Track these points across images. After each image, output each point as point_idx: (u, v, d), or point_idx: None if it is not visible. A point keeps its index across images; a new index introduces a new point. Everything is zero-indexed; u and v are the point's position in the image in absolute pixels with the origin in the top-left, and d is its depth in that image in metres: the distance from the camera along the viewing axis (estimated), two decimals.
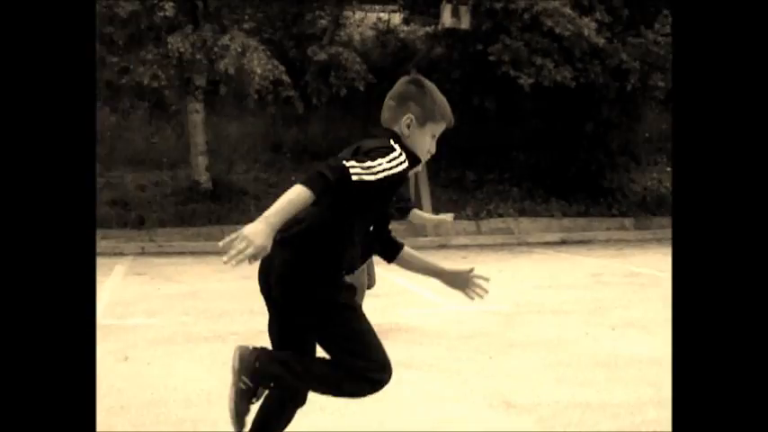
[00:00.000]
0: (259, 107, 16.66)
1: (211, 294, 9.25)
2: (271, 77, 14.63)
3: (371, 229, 3.67)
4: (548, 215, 17.16)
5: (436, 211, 16.15)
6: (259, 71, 14.22)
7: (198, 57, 14.37)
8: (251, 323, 7.55)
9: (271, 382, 3.51)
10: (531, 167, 18.27)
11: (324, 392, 3.57)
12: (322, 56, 15.90)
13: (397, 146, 3.37)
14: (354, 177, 3.11)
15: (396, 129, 3.53)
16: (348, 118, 18.62)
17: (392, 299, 8.86)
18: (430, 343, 6.81)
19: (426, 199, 16.30)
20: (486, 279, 3.91)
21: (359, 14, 21.47)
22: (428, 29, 18.67)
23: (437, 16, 16.58)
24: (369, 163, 3.19)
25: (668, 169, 20.57)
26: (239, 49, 14.28)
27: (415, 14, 19.04)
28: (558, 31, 14.68)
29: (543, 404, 5.18)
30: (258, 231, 2.95)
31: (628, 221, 18.00)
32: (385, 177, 3.21)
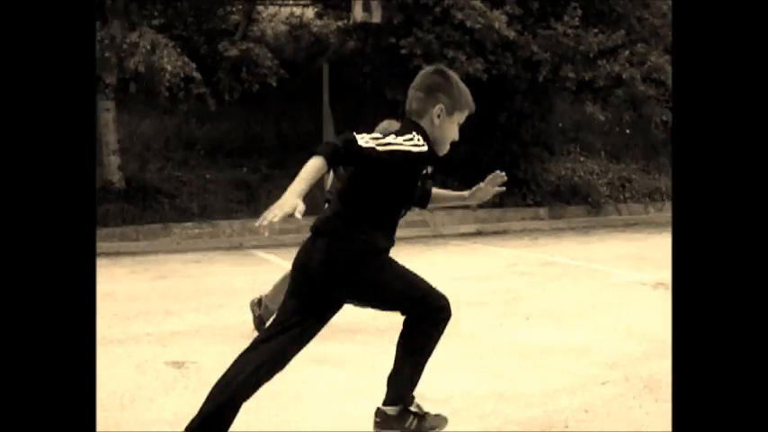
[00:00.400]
0: (171, 104, 16.46)
1: (125, 296, 9.12)
2: (182, 74, 14.43)
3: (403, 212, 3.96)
4: (462, 207, 17.25)
5: None
6: (169, 68, 14.01)
7: (107, 55, 14.12)
8: (165, 324, 7.47)
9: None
10: (444, 160, 18.27)
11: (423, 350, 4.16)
12: (233, 52, 15.74)
13: (414, 132, 3.64)
14: (362, 144, 3.35)
15: (425, 119, 3.78)
16: (261, 114, 18.50)
17: None
18: (344, 339, 6.80)
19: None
20: (501, 173, 4.34)
21: (272, 9, 21.32)
22: (341, 23, 18.64)
23: (350, 10, 16.55)
24: (380, 138, 3.45)
25: (581, 159, 20.86)
26: (149, 47, 14.07)
27: (328, 9, 18.99)
28: (468, 24, 14.75)
29: (457, 396, 5.21)
30: (285, 198, 3.25)
31: (542, 211, 18.21)
32: (396, 152, 3.46)
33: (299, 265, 3.87)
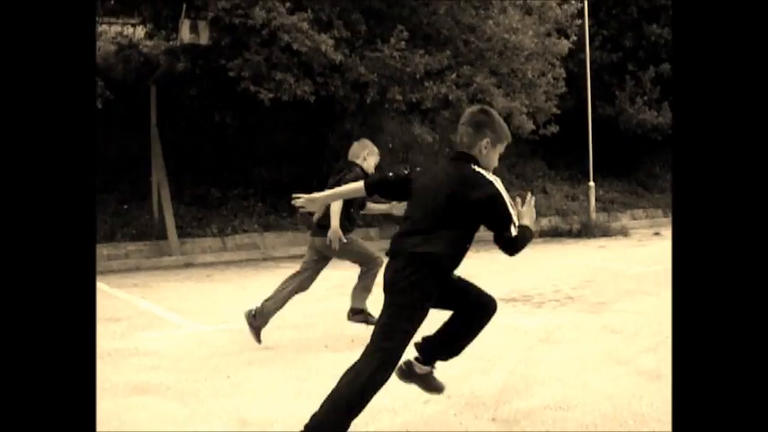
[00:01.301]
0: None
1: None
2: None
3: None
4: (293, 228, 17.22)
5: (180, 229, 15.92)
6: None
7: None
8: None
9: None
10: (274, 182, 18.25)
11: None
12: None
13: (482, 170, 4.41)
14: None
15: (474, 150, 4.48)
16: None
17: (133, 322, 8.64)
18: (168, 366, 6.67)
19: (170, 218, 15.97)
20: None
21: (100, 28, 20.78)
22: (170, 44, 18.37)
23: (179, 31, 16.32)
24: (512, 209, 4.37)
25: None
26: None
27: (158, 29, 18.68)
28: (295, 46, 14.76)
29: (279, 419, 5.18)
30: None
31: (373, 231, 18.34)
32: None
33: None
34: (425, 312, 4.51)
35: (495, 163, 4.58)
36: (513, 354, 6.78)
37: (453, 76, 16.69)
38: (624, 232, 19.88)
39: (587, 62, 20.84)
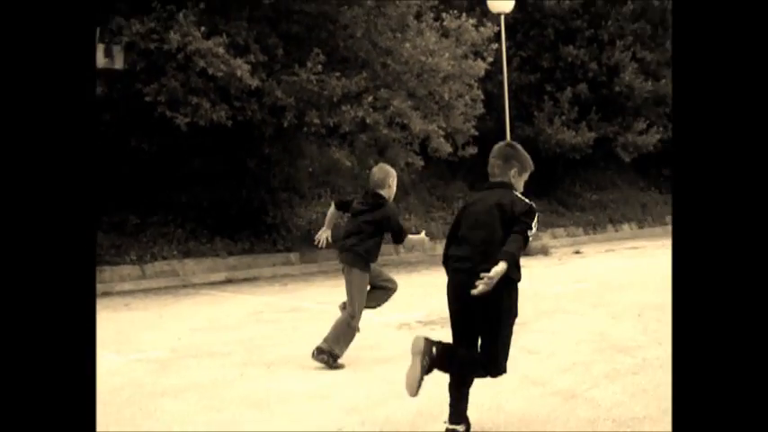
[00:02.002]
0: None
1: None
2: None
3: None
4: (213, 255, 17.06)
5: (98, 257, 15.64)
6: None
7: None
8: None
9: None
10: (193, 208, 18.05)
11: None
12: None
13: (519, 194, 5.22)
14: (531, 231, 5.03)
15: (505, 179, 5.28)
16: None
17: None
18: None
19: None
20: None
21: None
22: None
23: None
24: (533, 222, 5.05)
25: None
26: None
27: None
28: (211, 71, 14.65)
29: None
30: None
31: (293, 256, 18.25)
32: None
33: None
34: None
35: (521, 188, 5.36)
36: (428, 377, 6.75)
37: (370, 99, 16.67)
38: (545, 251, 20.02)
39: (505, 83, 21.02)
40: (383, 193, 7.59)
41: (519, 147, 5.45)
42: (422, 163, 19.04)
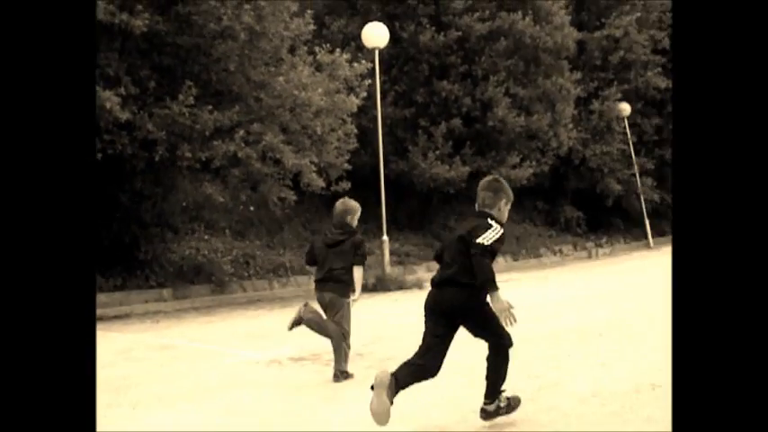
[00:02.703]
0: None
1: None
2: None
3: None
4: None
5: None
6: None
7: None
8: None
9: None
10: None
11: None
12: None
13: (493, 222, 5.74)
14: (488, 243, 5.53)
15: (494, 209, 5.91)
16: None
17: None
18: None
19: None
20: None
21: None
22: None
23: None
24: (485, 234, 5.58)
25: (206, 237, 20.87)
26: None
27: None
28: None
29: None
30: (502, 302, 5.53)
31: (166, 292, 18.00)
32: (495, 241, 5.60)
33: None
34: None
35: (506, 216, 6.04)
36: (294, 417, 6.69)
37: (242, 133, 16.57)
38: (419, 285, 20.12)
39: (379, 118, 21.15)
40: (351, 222, 8.15)
41: (503, 181, 6.16)
42: (295, 197, 18.93)
